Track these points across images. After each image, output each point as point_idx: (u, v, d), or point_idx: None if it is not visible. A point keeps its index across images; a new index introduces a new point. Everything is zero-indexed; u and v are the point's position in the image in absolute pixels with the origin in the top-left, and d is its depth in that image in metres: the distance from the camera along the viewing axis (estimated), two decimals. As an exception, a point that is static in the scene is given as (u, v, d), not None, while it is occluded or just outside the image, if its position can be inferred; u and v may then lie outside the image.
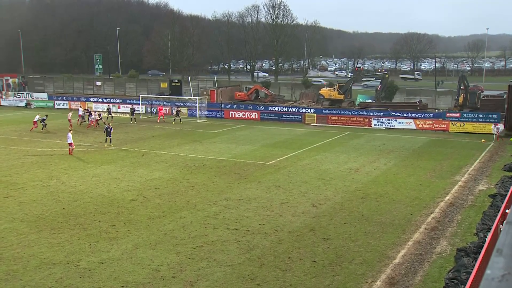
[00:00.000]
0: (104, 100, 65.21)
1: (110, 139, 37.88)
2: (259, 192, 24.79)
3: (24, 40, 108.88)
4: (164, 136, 43.08)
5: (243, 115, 55.31)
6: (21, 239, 18.33)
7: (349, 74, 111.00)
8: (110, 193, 24.52)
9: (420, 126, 48.11)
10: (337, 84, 63.17)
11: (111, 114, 51.83)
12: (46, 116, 47.36)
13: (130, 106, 56.21)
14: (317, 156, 34.25)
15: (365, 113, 50.79)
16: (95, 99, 66.01)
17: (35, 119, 45.66)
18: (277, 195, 24.30)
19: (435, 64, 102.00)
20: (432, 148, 38.46)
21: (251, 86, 68.83)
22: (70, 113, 49.57)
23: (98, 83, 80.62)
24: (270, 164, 31.69)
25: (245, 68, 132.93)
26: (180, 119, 50.89)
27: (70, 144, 34.31)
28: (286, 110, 54.68)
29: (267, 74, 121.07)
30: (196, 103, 55.65)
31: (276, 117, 53.82)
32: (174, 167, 30.62)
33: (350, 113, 51.57)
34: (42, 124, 45.40)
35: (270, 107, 55.80)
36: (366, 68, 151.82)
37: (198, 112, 54.98)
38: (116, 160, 32.58)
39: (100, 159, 33.03)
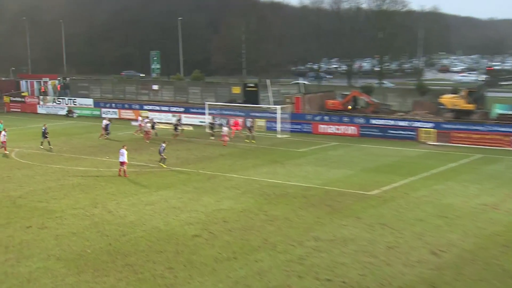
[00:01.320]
0: (162, 108, 67.26)
1: (162, 158, 38.65)
2: (358, 231, 24.43)
3: (66, 34, 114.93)
4: (235, 155, 43.56)
5: (337, 129, 55.03)
6: (57, 283, 18.98)
7: (482, 77, 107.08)
8: (167, 227, 24.98)
9: None
10: (465, 90, 61.04)
11: (181, 128, 53.45)
12: (110, 121, 52.52)
13: (210, 118, 56.84)
14: (436, 186, 33.26)
15: (506, 129, 48.77)
16: (150, 107, 68.18)
17: (104, 125, 51.83)
18: (382, 236, 23.77)
19: None
20: None
21: (347, 92, 68.16)
22: (140, 118, 52.55)
23: (155, 87, 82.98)
24: (372, 194, 31.20)
25: (339, 69, 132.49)
26: (253, 136, 50.83)
27: (122, 163, 35.46)
28: (394, 124, 53.90)
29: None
30: (277, 113, 55.86)
31: (381, 133, 53.08)
32: (248, 194, 30.80)
33: (484, 129, 49.78)
34: (106, 131, 51.16)
35: (372, 120, 55.20)
36: (507, 67, 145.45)
37: (279, 125, 55.22)
38: (175, 185, 33.26)
39: (156, 182, 33.87)
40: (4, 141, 43.67)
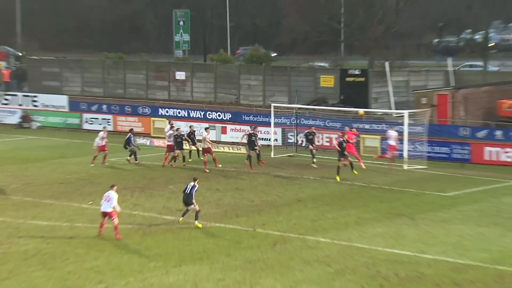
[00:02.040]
0: (191, 113, 67.27)
1: (196, 212, 37.62)
2: None
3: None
4: (324, 201, 43.69)
5: (522, 155, 54.99)
6: None
7: None
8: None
9: None
10: None
11: (256, 149, 53.22)
12: (132, 131, 54.45)
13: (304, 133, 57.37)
14: None
15: None
16: (171, 111, 68.40)
17: (99, 142, 52.81)
18: None
19: None
20: None
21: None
22: (168, 127, 53.44)
23: (181, 76, 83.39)
24: None
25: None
26: (351, 163, 50.58)
27: (108, 215, 35.10)
28: None
29: None
30: (404, 125, 55.22)
31: None
32: (348, 276, 30.30)
33: None
34: (130, 152, 53.13)
35: None
36: None
37: (406, 147, 54.89)
38: (212, 254, 32.96)
39: (178, 250, 33.67)
40: None
